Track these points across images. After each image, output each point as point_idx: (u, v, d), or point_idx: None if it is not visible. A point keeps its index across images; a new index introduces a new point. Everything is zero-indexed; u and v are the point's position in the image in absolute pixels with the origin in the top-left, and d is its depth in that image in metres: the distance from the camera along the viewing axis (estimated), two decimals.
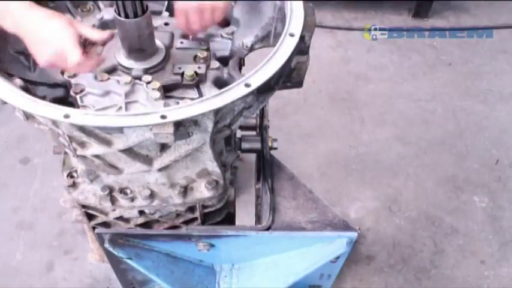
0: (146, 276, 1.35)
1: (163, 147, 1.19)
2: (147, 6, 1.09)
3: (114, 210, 1.40)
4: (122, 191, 1.30)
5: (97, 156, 1.17)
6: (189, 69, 1.16)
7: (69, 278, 2.21)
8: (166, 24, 1.31)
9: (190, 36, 1.26)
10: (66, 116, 0.93)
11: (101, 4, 1.33)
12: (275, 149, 1.50)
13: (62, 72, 1.13)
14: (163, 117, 0.94)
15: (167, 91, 1.15)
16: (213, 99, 0.98)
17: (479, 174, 2.66)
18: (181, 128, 1.04)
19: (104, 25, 1.27)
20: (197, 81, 1.17)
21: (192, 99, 1.12)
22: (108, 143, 1.10)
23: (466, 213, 2.50)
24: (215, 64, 1.21)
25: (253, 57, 1.34)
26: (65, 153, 1.34)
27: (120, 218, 1.44)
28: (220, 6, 1.16)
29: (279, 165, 1.43)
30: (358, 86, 3.09)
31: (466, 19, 3.55)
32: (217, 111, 1.06)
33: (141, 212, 1.42)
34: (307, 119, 2.87)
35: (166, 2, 1.38)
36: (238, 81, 1.01)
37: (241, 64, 1.36)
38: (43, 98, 1.08)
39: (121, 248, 1.24)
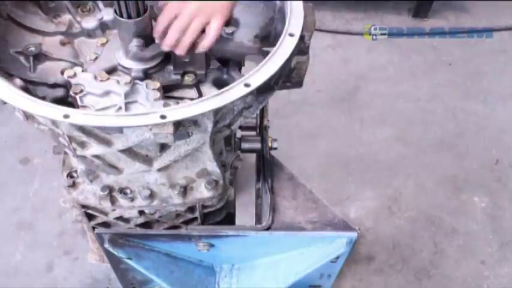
0: (146, 276, 1.35)
1: (163, 147, 1.19)
2: (147, 7, 1.09)
3: (114, 210, 1.40)
4: (122, 191, 1.30)
5: (97, 156, 1.17)
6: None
7: (69, 278, 2.21)
8: None
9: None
10: (66, 116, 0.93)
11: (100, 4, 1.32)
12: (275, 149, 1.50)
13: (62, 72, 1.13)
14: (162, 117, 0.94)
15: (167, 91, 1.15)
16: (212, 99, 0.98)
17: (479, 174, 2.65)
18: (181, 128, 1.04)
19: (103, 25, 1.27)
20: (197, 81, 1.17)
21: (192, 99, 1.12)
22: (107, 143, 1.10)
23: (466, 213, 2.50)
24: (215, 64, 1.21)
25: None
26: (65, 153, 1.34)
27: (120, 218, 1.44)
28: (225, 7, 1.05)
29: (279, 165, 1.42)
30: (358, 86, 3.08)
31: (466, 19, 3.55)
32: (217, 111, 1.06)
33: (141, 212, 1.42)
34: (307, 119, 2.87)
35: None
36: (238, 81, 1.01)
37: (241, 64, 1.36)
38: (43, 98, 1.08)
39: (121, 248, 1.24)
